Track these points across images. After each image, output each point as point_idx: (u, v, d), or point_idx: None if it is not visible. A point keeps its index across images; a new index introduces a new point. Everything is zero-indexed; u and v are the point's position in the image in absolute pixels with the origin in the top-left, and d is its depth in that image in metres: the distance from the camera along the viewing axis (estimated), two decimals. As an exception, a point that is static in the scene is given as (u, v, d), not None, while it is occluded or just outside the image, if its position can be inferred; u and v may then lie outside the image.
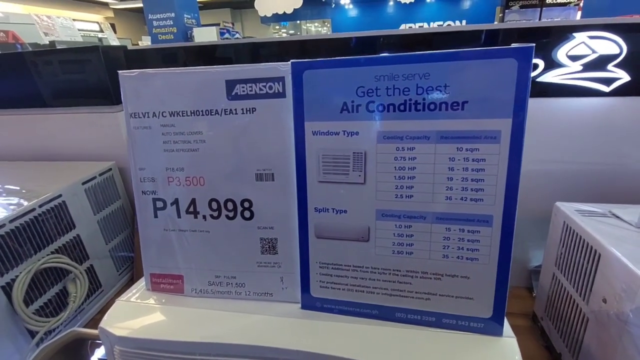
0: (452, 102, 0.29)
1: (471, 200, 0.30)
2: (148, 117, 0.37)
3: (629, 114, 0.68)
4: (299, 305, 0.38)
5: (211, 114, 0.36)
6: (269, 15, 6.16)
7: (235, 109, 0.35)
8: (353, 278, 0.35)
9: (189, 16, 6.26)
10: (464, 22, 7.67)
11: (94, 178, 0.83)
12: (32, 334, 0.68)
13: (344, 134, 0.32)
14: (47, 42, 2.94)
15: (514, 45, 0.28)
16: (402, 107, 0.30)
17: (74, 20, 3.29)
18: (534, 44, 0.28)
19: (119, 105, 0.88)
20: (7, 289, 0.64)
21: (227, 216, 0.38)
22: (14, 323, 0.65)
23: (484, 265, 0.31)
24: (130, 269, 0.95)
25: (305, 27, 10.51)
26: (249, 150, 0.36)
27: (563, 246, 0.63)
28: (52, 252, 0.72)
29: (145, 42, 4.95)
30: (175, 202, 0.39)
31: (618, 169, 0.72)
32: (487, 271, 0.31)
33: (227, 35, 6.14)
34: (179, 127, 0.37)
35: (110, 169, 0.89)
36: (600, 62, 0.67)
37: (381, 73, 0.30)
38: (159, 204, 0.39)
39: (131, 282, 0.95)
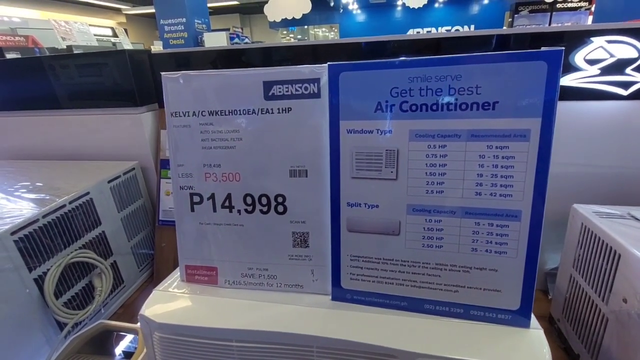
0: (483, 102, 0.31)
1: (500, 195, 0.32)
2: (188, 116, 0.40)
3: (646, 117, 0.69)
4: (329, 297, 0.39)
5: (248, 114, 0.38)
6: (278, 20, 6.23)
7: (272, 109, 0.37)
8: (383, 270, 0.36)
9: (200, 21, 6.36)
10: (472, 27, 7.66)
11: (119, 177, 0.86)
12: (60, 326, 0.70)
13: (378, 132, 0.34)
14: (65, 47, 3.01)
15: (543, 48, 0.29)
16: (434, 107, 0.32)
17: (89, 25, 3.37)
18: (563, 48, 0.29)
19: (143, 107, 0.91)
20: (40, 281, 0.66)
21: (261, 210, 0.40)
22: (44, 314, 0.68)
23: (512, 258, 0.33)
24: (150, 266, 0.98)
25: (313, 32, 10.59)
26: (283, 148, 0.38)
27: (581, 248, 0.63)
28: (80, 248, 0.75)
29: (157, 47, 5.03)
30: (212, 197, 0.41)
31: (635, 172, 0.72)
32: (515, 264, 0.33)
33: (236, 40, 6.22)
34: (217, 126, 0.39)
35: (134, 169, 0.91)
36: (618, 66, 0.67)
37: (415, 75, 0.32)
38: (196, 199, 0.41)
39: (151, 278, 0.97)
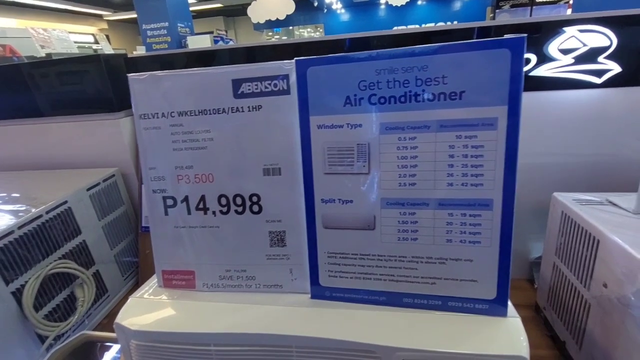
0: (450, 92, 0.31)
1: (471, 185, 0.32)
2: (157, 117, 0.39)
3: (621, 104, 0.70)
4: (309, 295, 0.39)
5: (218, 113, 0.37)
6: (262, 22, 6.21)
7: (242, 107, 0.37)
8: (360, 266, 0.36)
9: (183, 25, 6.30)
10: (455, 23, 7.74)
11: (98, 184, 0.84)
12: (42, 339, 0.68)
13: (348, 127, 0.33)
14: (44, 55, 2.95)
15: (506, 36, 0.29)
16: (402, 99, 0.32)
17: (69, 32, 3.30)
18: (525, 35, 0.29)
19: (120, 112, 0.89)
20: (17, 294, 0.64)
21: (236, 211, 0.39)
22: (24, 328, 0.66)
23: (486, 247, 0.33)
24: (135, 274, 0.96)
25: (298, 33, 10.58)
26: (256, 146, 0.37)
27: (562, 236, 0.64)
28: (60, 258, 0.73)
29: (139, 52, 4.97)
30: (185, 199, 0.40)
31: (612, 159, 0.73)
32: (489, 253, 0.33)
33: (221, 42, 6.17)
34: (187, 127, 0.38)
35: (114, 175, 0.90)
36: (591, 55, 0.68)
37: (381, 67, 0.31)
38: (169, 202, 0.40)
39: (136, 286, 0.95)
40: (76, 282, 0.76)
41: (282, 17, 5.92)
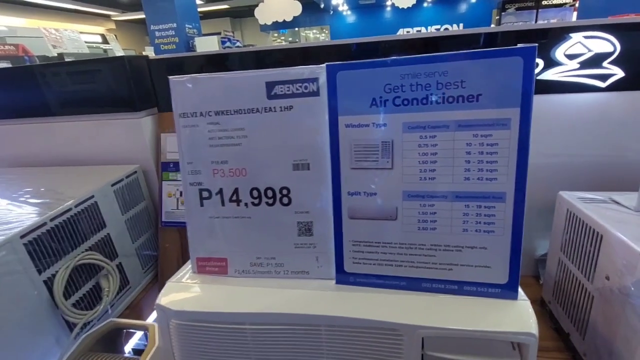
0: (467, 95, 0.34)
1: (486, 179, 0.35)
2: (195, 116, 0.42)
3: (624, 108, 0.73)
4: (333, 281, 0.42)
5: (252, 112, 0.41)
6: (269, 23, 6.25)
7: (274, 107, 0.40)
8: (382, 254, 0.39)
9: (190, 26, 6.36)
10: (461, 25, 7.76)
11: (122, 180, 0.88)
12: (69, 326, 0.72)
13: (373, 126, 0.37)
14: (56, 55, 3.00)
15: (519, 45, 0.33)
16: (424, 101, 0.35)
17: (79, 32, 3.36)
18: (537, 44, 0.33)
19: (142, 112, 0.93)
20: (49, 283, 0.68)
21: (267, 203, 0.42)
22: (54, 316, 0.70)
23: (499, 236, 0.36)
24: (154, 267, 1.00)
25: (304, 34, 10.63)
26: (286, 143, 0.41)
27: (567, 232, 0.67)
28: (86, 250, 0.77)
29: (149, 53, 5.03)
30: (220, 191, 0.43)
31: (615, 160, 0.76)
32: (502, 242, 0.36)
33: (228, 44, 6.23)
34: (223, 125, 0.42)
35: (135, 172, 0.93)
36: (596, 60, 0.71)
37: (405, 72, 0.35)
38: (205, 194, 0.44)
39: (155, 279, 0.99)
40: (101, 273, 0.80)
41: (289, 18, 5.96)
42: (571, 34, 0.70)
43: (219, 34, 6.32)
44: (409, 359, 0.36)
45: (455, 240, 0.37)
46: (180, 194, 0.91)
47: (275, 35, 10.18)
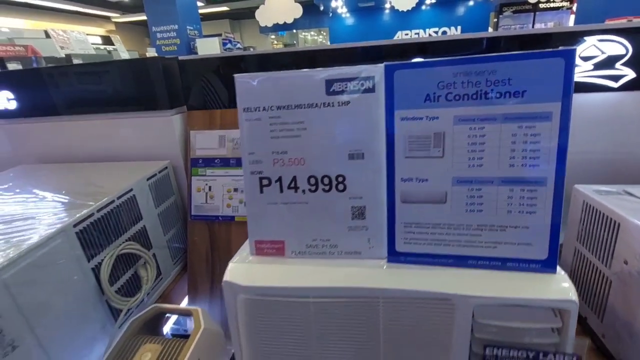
0: (514, 91, 0.39)
1: (530, 166, 0.39)
2: (258, 110, 0.46)
3: (635, 107, 0.78)
4: (384, 260, 0.46)
5: (312, 107, 0.45)
6: (270, 25, 6.30)
7: (332, 102, 0.45)
8: (432, 234, 0.44)
9: (192, 28, 6.39)
10: (459, 28, 7.85)
11: (155, 175, 0.92)
12: (112, 312, 0.76)
13: (427, 119, 0.41)
14: (64, 56, 3.03)
15: (561, 47, 0.37)
16: (474, 97, 0.39)
17: (86, 34, 3.38)
18: (576, 47, 0.37)
19: (172, 110, 0.97)
20: (96, 270, 0.72)
21: (323, 189, 0.47)
22: (100, 302, 0.73)
23: (540, 217, 0.40)
24: (182, 260, 1.03)
25: (302, 37, 10.68)
26: (343, 135, 0.45)
27: (583, 223, 0.72)
28: (126, 240, 0.81)
29: (151, 54, 5.06)
30: (279, 179, 0.48)
31: (628, 156, 0.81)
32: (543, 221, 0.40)
33: (229, 45, 6.27)
34: (284, 118, 0.46)
35: (166, 167, 0.97)
36: (609, 62, 0.76)
37: (458, 71, 0.39)
38: (265, 182, 0.48)
39: (184, 270, 1.03)
40: (139, 263, 0.83)
41: (289, 20, 6.01)
42: (586, 37, 0.75)
43: (219, 35, 6.35)
44: (460, 327, 0.41)
45: (500, 221, 0.41)
46: (209, 189, 0.95)
47: (272, 37, 10.23)
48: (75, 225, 0.67)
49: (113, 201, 0.77)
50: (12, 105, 1.06)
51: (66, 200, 0.75)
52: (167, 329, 0.84)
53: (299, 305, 0.44)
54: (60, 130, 1.05)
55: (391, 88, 0.42)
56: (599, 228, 0.67)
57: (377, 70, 0.43)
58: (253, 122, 0.47)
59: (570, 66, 0.37)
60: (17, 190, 0.83)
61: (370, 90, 0.43)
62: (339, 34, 8.70)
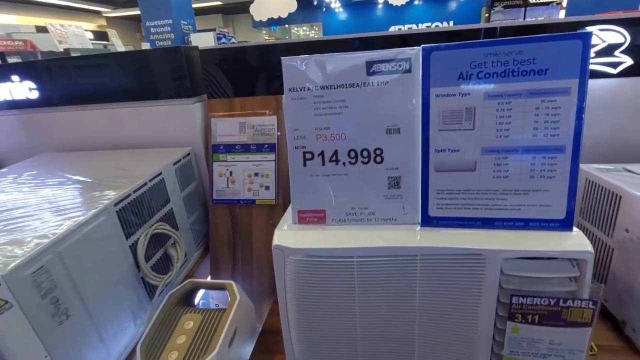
0: (538, 70, 0.44)
1: (551, 135, 0.45)
2: (303, 90, 0.51)
3: (633, 92, 0.84)
4: (418, 225, 0.51)
5: (353, 87, 0.50)
6: (264, 19, 6.29)
7: (372, 82, 0.49)
8: (462, 199, 0.49)
9: (186, 22, 6.34)
10: (451, 23, 7.91)
11: (180, 160, 0.96)
12: (147, 288, 0.80)
13: (459, 95, 0.46)
14: (62, 50, 3.01)
15: (579, 31, 0.42)
16: (502, 74, 0.45)
17: (84, 30, 3.36)
18: (592, 31, 0.42)
19: (194, 98, 1.01)
20: (133, 248, 0.76)
21: (362, 162, 0.52)
22: (136, 278, 0.78)
23: (559, 181, 0.46)
24: (203, 243, 1.08)
25: (295, 31, 10.66)
26: (381, 112, 0.50)
27: (585, 199, 0.78)
28: (157, 221, 0.85)
29: (206, 45, 5.01)
30: (321, 153, 0.52)
31: (625, 138, 0.88)
32: (561, 185, 0.46)
33: (223, 40, 6.24)
34: (327, 97, 0.51)
35: (189, 154, 1.01)
36: (609, 50, 0.82)
37: (489, 52, 0.44)
38: (308, 156, 0.53)
39: (205, 252, 1.07)
40: (168, 243, 0.87)
41: (284, 15, 6.01)
42: (587, 27, 0.81)
43: (214, 30, 6.32)
44: (489, 279, 0.46)
45: (523, 185, 0.47)
46: (230, 174, 1.00)
47: (264, 32, 10.18)
48: (115, 205, 0.71)
49: (146, 183, 0.81)
50: (34, 94, 1.09)
51: (101, 183, 0.79)
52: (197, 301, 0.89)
53: (344, 264, 0.49)
54: (80, 120, 1.08)
55: (428, 68, 0.46)
56: (601, 202, 0.73)
57: (413, 53, 0.47)
58: (298, 101, 0.51)
59: (587, 47, 0.42)
60: (48, 175, 0.87)
61: (407, 70, 0.48)
62: (332, 29, 8.70)
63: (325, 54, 0.50)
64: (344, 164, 0.52)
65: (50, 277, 0.57)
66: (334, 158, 0.52)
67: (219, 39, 6.15)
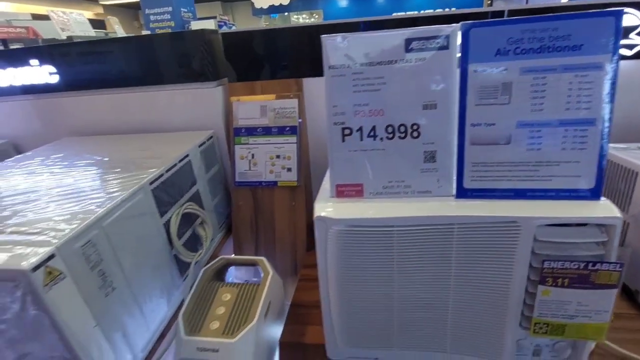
0: (572, 45, 0.46)
1: (583, 109, 0.47)
2: (343, 68, 0.53)
3: (647, 72, 0.86)
4: (452, 197, 0.54)
5: (392, 63, 0.52)
6: (265, 7, 6.22)
7: (411, 59, 0.51)
8: (496, 171, 0.52)
9: (186, 10, 6.25)
10: (452, 9, 7.83)
11: (204, 143, 0.98)
12: (178, 265, 0.83)
13: (496, 70, 0.48)
14: (65, 38, 2.99)
15: (611, 9, 0.45)
16: (538, 50, 0.47)
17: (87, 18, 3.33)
18: (623, 8, 0.45)
19: (215, 82, 1.02)
20: (166, 226, 0.79)
21: (399, 137, 0.54)
22: (169, 255, 0.80)
23: (590, 152, 0.48)
24: (225, 224, 1.11)
25: (295, 19, 10.54)
26: (418, 88, 0.52)
27: (602, 176, 0.81)
28: (186, 202, 0.87)
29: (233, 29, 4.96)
30: (360, 129, 0.55)
31: (637, 120, 0.90)
32: (591, 156, 0.48)
33: (224, 27, 6.17)
34: (366, 74, 0.53)
35: (212, 137, 1.03)
36: (624, 32, 0.84)
37: (526, 28, 0.46)
38: (347, 131, 0.55)
39: (227, 233, 1.10)
40: (196, 223, 0.90)
41: (285, 2, 5.95)
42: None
43: (214, 17, 6.24)
44: (522, 246, 0.49)
45: (555, 157, 0.49)
46: (252, 156, 1.02)
47: (263, 20, 10.06)
48: (151, 183, 0.73)
49: (175, 164, 0.83)
50: (55, 79, 1.10)
51: (132, 163, 0.81)
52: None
53: (384, 234, 0.51)
54: (99, 104, 1.09)
55: (467, 44, 0.49)
56: (617, 179, 0.76)
57: (451, 30, 0.49)
58: (337, 78, 0.53)
59: (619, 24, 0.45)
60: (77, 157, 0.89)
61: (445, 47, 0.50)
62: (332, 16, 8.60)
63: (365, 32, 0.52)
64: (381, 139, 0.54)
65: (97, 250, 0.60)
66: (372, 133, 0.55)
67: (220, 26, 6.08)
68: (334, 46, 0.53)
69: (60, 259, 0.53)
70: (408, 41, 0.51)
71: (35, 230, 0.57)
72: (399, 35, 0.51)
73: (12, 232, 0.57)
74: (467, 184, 0.53)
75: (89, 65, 1.05)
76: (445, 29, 0.50)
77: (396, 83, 0.52)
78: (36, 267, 0.49)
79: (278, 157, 1.00)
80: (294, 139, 0.99)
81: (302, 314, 0.77)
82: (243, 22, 9.57)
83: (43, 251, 0.51)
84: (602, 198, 0.50)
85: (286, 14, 9.99)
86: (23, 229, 0.57)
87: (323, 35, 0.53)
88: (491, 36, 0.48)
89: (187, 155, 0.88)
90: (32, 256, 0.50)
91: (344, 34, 0.52)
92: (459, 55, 0.50)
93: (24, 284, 0.50)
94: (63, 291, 0.54)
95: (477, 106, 0.50)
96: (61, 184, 0.73)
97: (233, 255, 1.07)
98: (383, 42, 0.52)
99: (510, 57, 0.48)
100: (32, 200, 0.67)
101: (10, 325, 0.53)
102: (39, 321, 0.52)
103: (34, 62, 1.10)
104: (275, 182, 1.01)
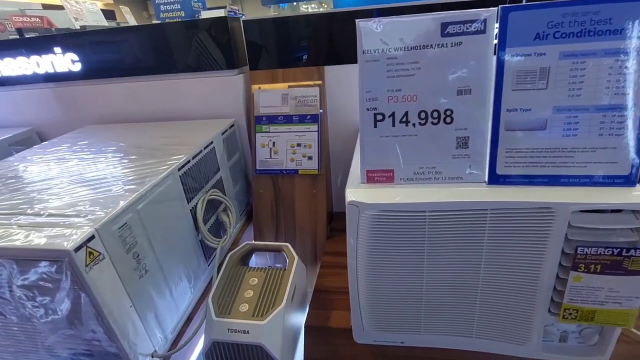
0: (613, 29, 0.45)
1: (621, 94, 0.47)
2: (377, 52, 0.53)
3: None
4: (483, 184, 0.54)
5: (427, 48, 0.52)
6: (275, -4, 6.16)
7: (446, 44, 0.51)
8: (530, 157, 0.51)
9: (196, 0, 6.23)
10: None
11: (227, 130, 0.99)
12: (203, 251, 0.85)
13: (535, 55, 0.48)
14: (79, 27, 3.00)
15: (657, -10, 0.44)
16: (579, 34, 0.46)
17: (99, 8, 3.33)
18: (669, -11, 0.44)
19: (237, 69, 1.03)
20: (193, 212, 0.80)
21: (432, 122, 0.54)
22: (195, 239, 0.82)
23: (627, 138, 0.48)
24: (245, 213, 1.12)
25: (304, 9, 10.43)
26: (453, 73, 0.52)
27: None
28: (210, 189, 0.89)
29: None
30: (392, 115, 0.55)
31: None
32: (628, 142, 0.48)
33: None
34: (400, 59, 0.53)
35: (233, 125, 1.04)
36: None
37: (566, 12, 0.46)
38: (379, 117, 0.55)
39: (248, 221, 1.11)
40: (220, 209, 0.92)
41: (295, -9, 5.87)
42: None
43: (224, 7, 6.21)
44: (556, 232, 0.49)
45: (592, 143, 0.49)
46: (273, 144, 1.03)
47: (272, 10, 9.99)
48: (180, 169, 0.75)
49: (201, 151, 0.84)
50: (77, 67, 1.11)
51: (159, 150, 0.82)
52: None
53: (416, 219, 0.52)
54: (121, 92, 1.10)
55: (505, 28, 0.48)
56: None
57: (489, 13, 0.49)
58: (371, 64, 0.54)
59: (663, 7, 0.44)
60: (103, 144, 0.90)
61: (482, 31, 0.50)
62: (341, 5, 8.49)
63: (400, 16, 0.52)
64: (413, 125, 0.55)
65: (132, 233, 0.61)
66: (404, 119, 0.55)
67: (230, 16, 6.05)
68: (369, 31, 0.53)
69: (99, 240, 0.55)
70: (444, 25, 0.51)
71: (72, 213, 0.58)
72: (435, 19, 0.51)
73: (49, 215, 0.59)
74: (500, 170, 0.53)
75: (110, 54, 1.06)
76: (482, 12, 0.49)
77: (431, 68, 0.52)
78: (78, 248, 0.51)
79: (299, 145, 1.01)
80: (315, 127, 0.99)
81: (325, 299, 0.79)
82: (252, 12, 9.51)
83: (83, 232, 0.52)
84: (638, 185, 0.50)
85: (295, 3, 9.92)
86: (60, 211, 0.59)
87: (358, 20, 0.53)
88: (530, 20, 0.47)
89: (211, 142, 0.89)
90: (73, 237, 0.51)
91: (379, 18, 0.52)
92: (495, 40, 0.50)
93: (66, 264, 0.51)
94: (102, 272, 0.55)
95: (513, 91, 0.50)
96: (91, 169, 0.75)
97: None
98: (418, 27, 0.51)
99: (550, 42, 0.47)
100: (64, 184, 0.69)
101: (51, 304, 0.55)
102: (80, 301, 0.54)
103: (57, 49, 1.11)
104: (296, 171, 1.02)
